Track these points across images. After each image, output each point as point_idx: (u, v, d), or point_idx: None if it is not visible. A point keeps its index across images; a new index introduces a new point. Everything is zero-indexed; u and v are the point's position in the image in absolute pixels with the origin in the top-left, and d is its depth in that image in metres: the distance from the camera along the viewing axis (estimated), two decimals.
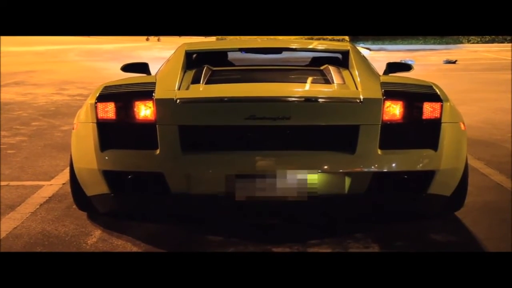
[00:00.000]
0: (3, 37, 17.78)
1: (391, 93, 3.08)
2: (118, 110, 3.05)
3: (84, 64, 14.47)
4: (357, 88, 3.22)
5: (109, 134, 3.07)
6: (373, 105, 3.03)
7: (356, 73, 3.44)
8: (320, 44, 4.88)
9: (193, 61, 3.99)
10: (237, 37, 19.15)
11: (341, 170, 3.02)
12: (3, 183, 4.17)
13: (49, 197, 3.85)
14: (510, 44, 20.47)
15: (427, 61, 15.12)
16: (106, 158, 3.06)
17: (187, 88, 3.26)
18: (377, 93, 3.08)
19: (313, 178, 2.99)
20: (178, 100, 3.03)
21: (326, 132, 3.05)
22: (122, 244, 3.09)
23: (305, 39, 17.78)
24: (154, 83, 3.21)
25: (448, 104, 3.12)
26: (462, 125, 3.22)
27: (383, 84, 3.18)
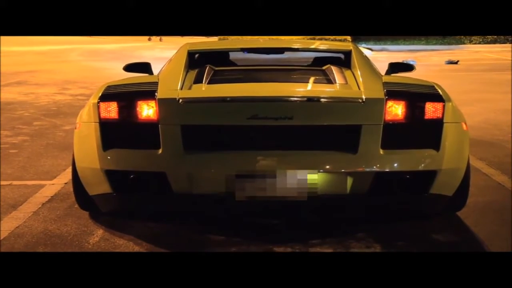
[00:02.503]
0: (4, 37, 17.81)
1: (393, 93, 3.08)
2: (120, 110, 3.06)
3: (86, 64, 14.49)
4: (359, 88, 3.22)
5: (112, 134, 3.08)
6: (375, 105, 3.03)
7: (358, 73, 3.45)
8: (322, 44, 4.88)
9: (196, 61, 3.99)
10: (239, 37, 19.18)
11: (343, 170, 3.02)
12: (5, 183, 4.18)
13: (51, 197, 3.86)
14: (511, 45, 20.46)
15: (429, 61, 15.12)
16: (109, 157, 3.06)
17: (190, 88, 3.26)
18: (379, 93, 3.08)
19: (314, 178, 2.99)
20: (180, 100, 3.04)
21: (328, 132, 3.05)
22: (124, 244, 3.09)
23: (307, 39, 17.80)
24: (156, 83, 3.22)
25: (450, 104, 3.12)
26: (464, 125, 3.22)
27: (385, 84, 3.19)
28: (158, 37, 26.84)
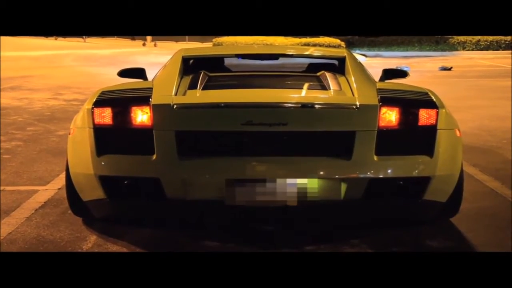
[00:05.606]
0: None
1: (387, 99, 3.09)
2: (115, 116, 3.05)
3: (80, 69, 14.46)
4: (353, 94, 3.23)
5: (106, 139, 3.07)
6: (369, 111, 3.04)
7: (352, 79, 3.46)
8: (316, 50, 4.90)
9: (190, 67, 3.99)
10: (234, 43, 19.22)
11: (337, 176, 3.03)
12: None
13: (44, 202, 3.84)
14: (504, 51, 20.59)
15: (422, 67, 15.18)
16: (103, 163, 3.06)
17: (184, 94, 3.27)
18: (373, 100, 3.09)
19: (311, 184, 2.99)
20: (175, 106, 3.04)
21: (323, 138, 3.06)
22: (117, 250, 3.08)
23: (302, 45, 17.86)
24: (151, 89, 3.22)
25: (444, 110, 3.14)
26: (457, 132, 3.24)
27: (379, 91, 3.20)
28: (153, 42, 26.86)
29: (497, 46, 21.60)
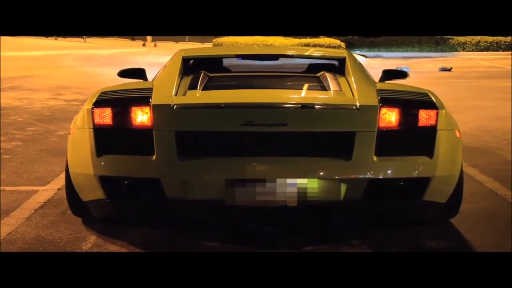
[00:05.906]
0: None
1: (387, 100, 3.09)
2: (114, 116, 3.05)
3: (80, 69, 14.46)
4: (353, 95, 3.24)
5: (106, 140, 3.07)
6: (369, 112, 3.04)
7: (352, 80, 3.46)
8: (316, 51, 4.90)
9: (190, 67, 4.00)
10: (234, 43, 19.23)
11: (337, 177, 3.03)
12: None
13: (44, 202, 3.84)
14: (504, 52, 20.60)
15: (422, 68, 15.19)
16: (102, 163, 3.06)
17: (184, 94, 3.27)
18: (373, 100, 3.09)
19: (311, 184, 3.00)
20: (175, 106, 3.04)
21: (323, 138, 3.06)
22: (117, 250, 3.08)
23: (302, 45, 17.87)
24: (151, 89, 3.22)
25: (444, 111, 3.14)
26: (457, 133, 3.24)
27: (379, 91, 3.20)
28: (153, 43, 26.87)
29: (497, 47, 21.61)
